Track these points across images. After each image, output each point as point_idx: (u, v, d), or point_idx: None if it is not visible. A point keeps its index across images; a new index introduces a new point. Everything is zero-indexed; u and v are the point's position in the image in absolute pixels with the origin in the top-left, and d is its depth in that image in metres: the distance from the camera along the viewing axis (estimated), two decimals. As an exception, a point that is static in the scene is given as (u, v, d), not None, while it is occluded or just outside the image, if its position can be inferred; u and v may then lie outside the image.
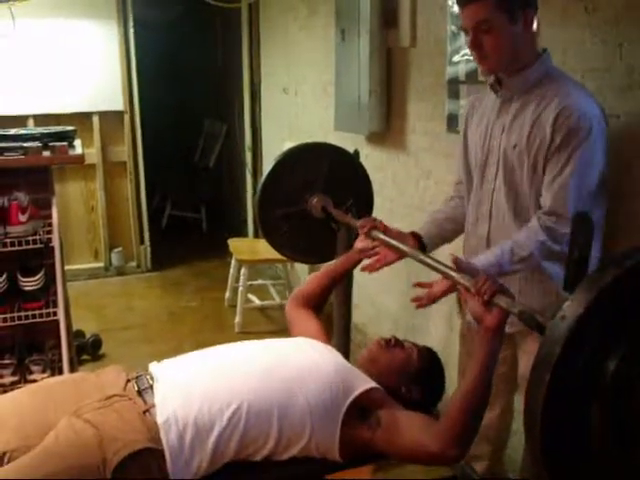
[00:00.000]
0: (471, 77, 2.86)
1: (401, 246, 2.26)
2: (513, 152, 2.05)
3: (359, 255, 2.41)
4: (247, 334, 4.54)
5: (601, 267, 1.38)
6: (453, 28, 2.95)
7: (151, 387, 1.88)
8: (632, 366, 1.33)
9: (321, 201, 2.88)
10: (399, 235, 2.35)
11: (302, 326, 2.28)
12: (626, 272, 1.31)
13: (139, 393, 1.86)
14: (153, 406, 1.81)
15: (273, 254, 3.31)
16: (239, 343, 2.11)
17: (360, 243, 2.41)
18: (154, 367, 1.98)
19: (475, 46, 2.01)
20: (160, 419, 1.76)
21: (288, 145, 4.97)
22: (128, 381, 1.92)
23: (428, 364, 2.11)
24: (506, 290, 1.73)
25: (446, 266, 1.94)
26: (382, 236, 2.34)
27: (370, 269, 2.39)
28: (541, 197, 2.00)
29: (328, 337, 2.28)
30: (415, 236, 2.39)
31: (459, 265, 1.91)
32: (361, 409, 1.89)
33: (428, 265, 2.06)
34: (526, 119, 2.01)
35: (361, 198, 2.98)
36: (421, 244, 2.38)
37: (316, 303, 2.37)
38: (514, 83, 2.06)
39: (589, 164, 1.91)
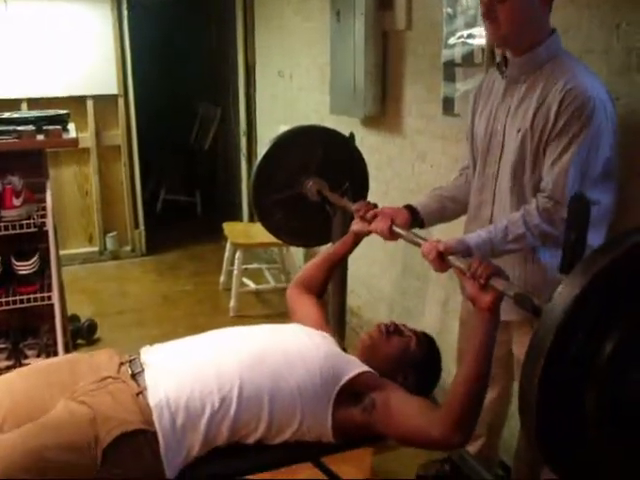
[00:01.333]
0: (467, 60, 2.85)
1: (398, 230, 2.26)
2: (517, 136, 2.02)
3: (355, 237, 2.41)
4: (242, 318, 4.55)
5: (597, 250, 1.38)
6: (449, 10, 2.93)
7: (143, 371, 1.88)
8: (628, 349, 1.33)
9: (316, 184, 2.87)
10: (393, 211, 2.34)
11: (302, 312, 2.29)
12: (622, 254, 1.30)
13: (133, 376, 1.86)
14: (146, 389, 1.81)
15: (268, 238, 3.30)
16: (231, 328, 2.10)
17: (356, 226, 2.41)
18: (145, 351, 1.99)
19: (489, 15, 1.97)
20: (152, 402, 1.77)
21: (283, 129, 4.95)
22: (121, 364, 1.92)
23: (426, 353, 2.11)
24: (501, 272, 1.73)
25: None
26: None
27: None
28: (542, 182, 1.98)
29: (328, 323, 2.28)
30: (410, 209, 2.38)
31: (449, 249, 1.92)
32: (354, 393, 1.89)
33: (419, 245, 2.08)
34: (531, 103, 1.98)
35: (356, 181, 2.97)
36: (416, 217, 2.37)
37: (317, 289, 2.38)
38: (521, 62, 2.02)
39: (592, 149, 1.89)
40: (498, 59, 2.14)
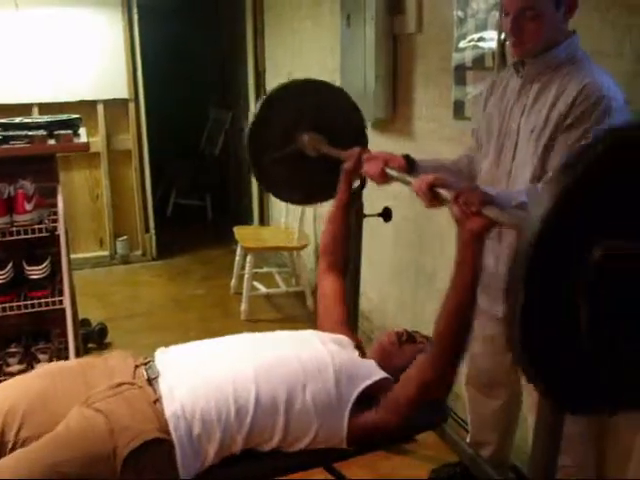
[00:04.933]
0: (478, 63, 2.84)
1: (391, 172, 2.26)
2: (531, 136, 2.01)
3: (347, 178, 2.41)
4: (253, 322, 4.55)
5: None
6: (460, 14, 2.92)
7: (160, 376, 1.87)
8: (618, 255, 1.26)
9: (313, 140, 2.78)
10: (388, 155, 2.33)
11: (326, 306, 2.28)
12: (602, 154, 1.24)
13: (149, 382, 1.85)
14: (162, 397, 1.80)
15: (279, 241, 3.29)
16: (246, 335, 2.09)
17: (347, 164, 2.41)
18: (160, 356, 1.97)
19: (515, 31, 1.96)
20: (168, 412, 1.75)
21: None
22: (136, 367, 1.91)
23: None
24: (494, 200, 1.69)
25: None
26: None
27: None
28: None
29: (347, 321, 2.26)
30: (407, 158, 2.35)
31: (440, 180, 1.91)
32: (368, 398, 1.88)
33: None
34: (546, 102, 1.97)
35: (352, 130, 2.89)
36: (412, 167, 2.33)
37: (339, 252, 2.36)
38: (539, 62, 2.01)
39: None
40: (515, 59, 2.12)
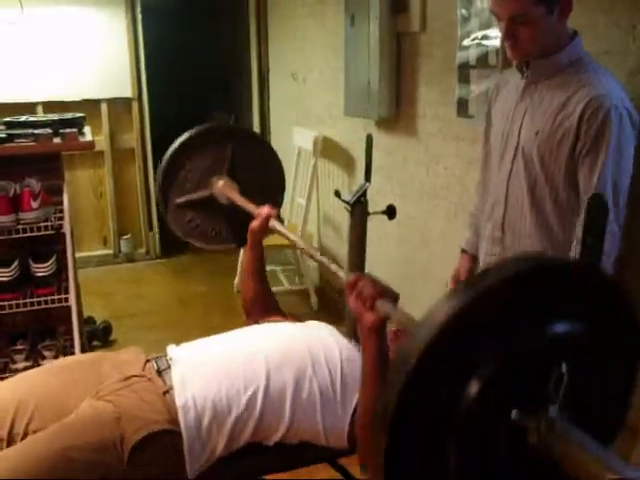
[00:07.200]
0: (482, 61, 2.85)
1: (291, 236, 2.28)
2: (535, 138, 2.00)
3: (253, 237, 2.37)
4: (257, 320, 4.55)
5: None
6: (463, 12, 2.93)
7: (170, 368, 1.88)
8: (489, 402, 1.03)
9: (226, 186, 2.65)
10: None
11: None
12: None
13: (159, 373, 1.86)
14: (172, 387, 1.81)
15: (282, 240, 3.28)
16: (256, 327, 2.10)
17: (252, 224, 2.35)
18: (172, 349, 1.98)
19: (509, 37, 1.96)
20: (179, 402, 1.76)
21: (298, 131, 4.97)
22: (147, 361, 1.92)
23: None
24: (389, 292, 1.67)
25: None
26: (277, 226, 2.33)
27: None
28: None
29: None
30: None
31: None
32: None
33: (312, 257, 2.11)
34: (552, 106, 1.96)
35: (273, 182, 2.79)
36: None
37: (267, 304, 2.35)
38: (543, 66, 2.01)
39: (620, 162, 1.89)
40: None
